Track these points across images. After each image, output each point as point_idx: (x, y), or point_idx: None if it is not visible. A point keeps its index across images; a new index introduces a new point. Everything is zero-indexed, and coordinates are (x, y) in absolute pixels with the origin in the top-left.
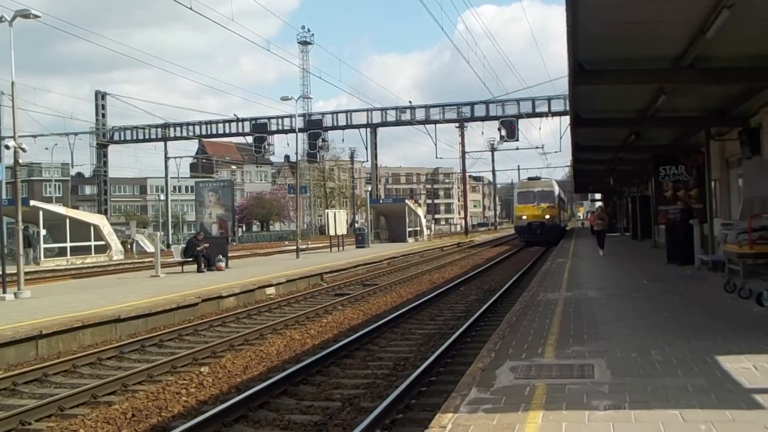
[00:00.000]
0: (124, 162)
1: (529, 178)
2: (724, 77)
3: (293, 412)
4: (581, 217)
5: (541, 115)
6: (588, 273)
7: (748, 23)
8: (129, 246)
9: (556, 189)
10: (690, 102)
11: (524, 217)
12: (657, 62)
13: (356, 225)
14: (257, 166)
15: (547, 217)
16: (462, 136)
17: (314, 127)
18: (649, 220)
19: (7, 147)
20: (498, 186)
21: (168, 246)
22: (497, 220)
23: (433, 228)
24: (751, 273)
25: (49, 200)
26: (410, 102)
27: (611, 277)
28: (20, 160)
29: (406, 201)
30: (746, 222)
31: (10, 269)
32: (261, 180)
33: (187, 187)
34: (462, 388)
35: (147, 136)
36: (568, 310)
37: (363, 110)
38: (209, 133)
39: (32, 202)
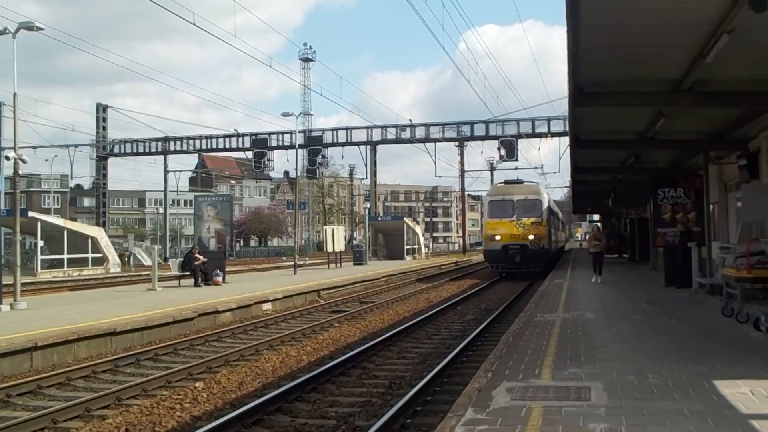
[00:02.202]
0: (123, 175)
1: (507, 182)
2: (724, 101)
3: (288, 430)
4: (579, 238)
5: (540, 135)
6: (586, 294)
7: (747, 48)
8: (126, 259)
9: (545, 198)
10: (689, 125)
11: (497, 237)
12: (657, 85)
13: (354, 242)
14: (256, 182)
15: (531, 237)
16: (461, 155)
17: (314, 144)
18: (648, 242)
19: (8, 158)
20: None
21: (165, 259)
22: None
23: (431, 246)
24: (748, 297)
25: (47, 212)
26: (410, 120)
27: (609, 298)
28: (20, 171)
29: (405, 219)
30: (744, 246)
31: (7, 280)
32: (260, 195)
33: (186, 201)
34: (458, 409)
35: (147, 150)
36: (566, 331)
37: (363, 127)
38: (209, 147)
39: (31, 213)
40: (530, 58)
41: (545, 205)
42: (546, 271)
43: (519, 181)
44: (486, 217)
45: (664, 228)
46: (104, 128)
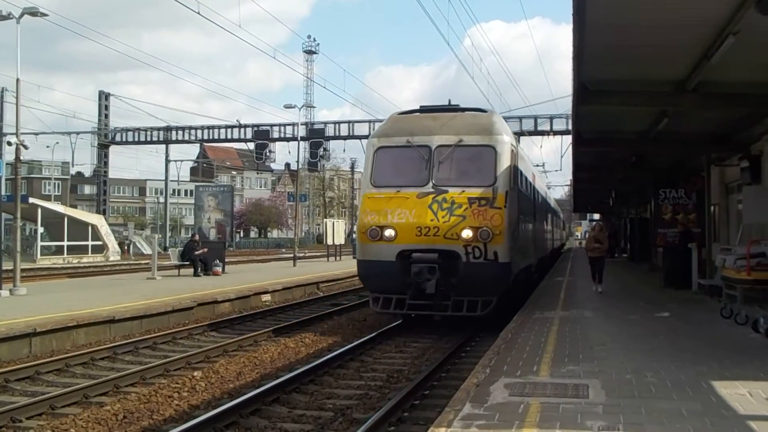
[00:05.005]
0: (124, 163)
1: (422, 108)
2: (727, 103)
3: (285, 421)
4: (578, 237)
5: (542, 133)
6: (585, 293)
7: (752, 50)
8: (126, 247)
9: (506, 144)
10: (692, 126)
11: (388, 233)
12: (661, 85)
13: (354, 235)
14: (257, 173)
15: (467, 234)
16: None
17: (316, 136)
18: (647, 243)
19: (9, 144)
20: None
21: (165, 249)
22: None
23: None
24: (748, 299)
25: (48, 198)
26: None
27: (608, 298)
28: (21, 157)
29: None
30: (745, 248)
31: (7, 266)
32: (260, 186)
33: (186, 191)
34: (456, 403)
35: (149, 138)
36: (564, 329)
37: (366, 121)
38: (211, 137)
39: (31, 200)
40: (535, 56)
41: (507, 160)
42: (507, 308)
43: (450, 108)
44: (366, 185)
45: (665, 228)
46: (106, 116)
